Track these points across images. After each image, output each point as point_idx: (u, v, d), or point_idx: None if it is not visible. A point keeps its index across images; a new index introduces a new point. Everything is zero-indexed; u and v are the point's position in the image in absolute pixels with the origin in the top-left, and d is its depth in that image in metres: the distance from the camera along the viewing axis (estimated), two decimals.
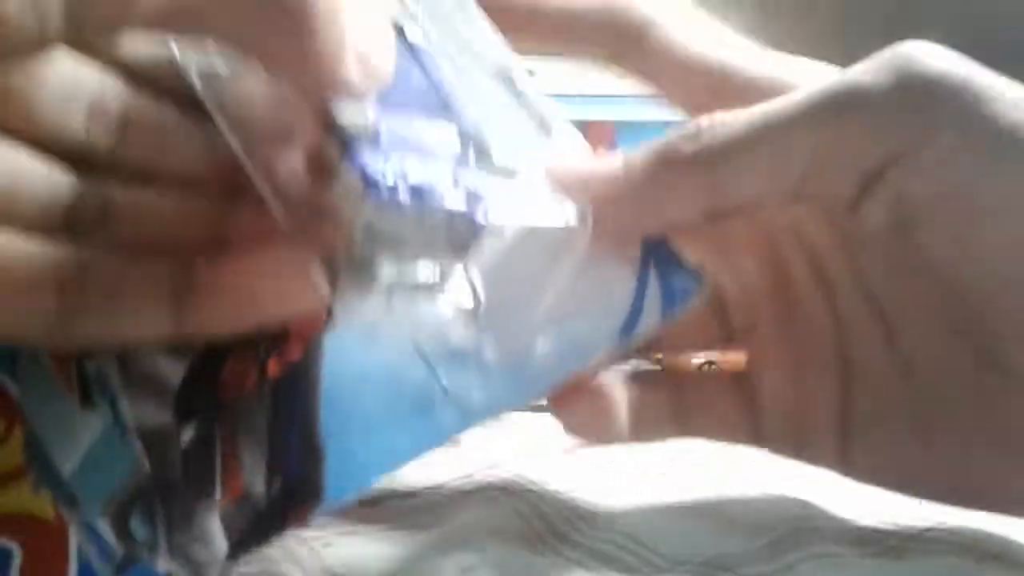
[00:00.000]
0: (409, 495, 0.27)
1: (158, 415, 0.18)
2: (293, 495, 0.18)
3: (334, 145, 0.16)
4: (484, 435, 0.36)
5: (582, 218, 0.19)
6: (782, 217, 0.22)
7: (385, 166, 0.15)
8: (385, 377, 0.18)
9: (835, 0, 0.75)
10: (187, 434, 0.18)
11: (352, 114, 0.16)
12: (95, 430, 0.18)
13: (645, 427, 0.23)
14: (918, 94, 0.18)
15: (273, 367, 0.18)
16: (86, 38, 0.15)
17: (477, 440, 0.35)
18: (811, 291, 0.22)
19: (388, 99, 0.17)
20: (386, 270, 0.16)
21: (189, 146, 0.18)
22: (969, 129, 0.18)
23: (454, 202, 0.16)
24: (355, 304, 0.16)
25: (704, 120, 0.20)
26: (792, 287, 0.22)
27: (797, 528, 0.23)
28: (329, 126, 0.16)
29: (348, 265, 0.16)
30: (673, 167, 0.19)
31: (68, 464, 0.18)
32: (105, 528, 0.18)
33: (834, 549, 0.22)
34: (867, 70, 0.19)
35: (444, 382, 0.18)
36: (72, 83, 0.17)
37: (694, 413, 0.23)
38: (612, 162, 0.20)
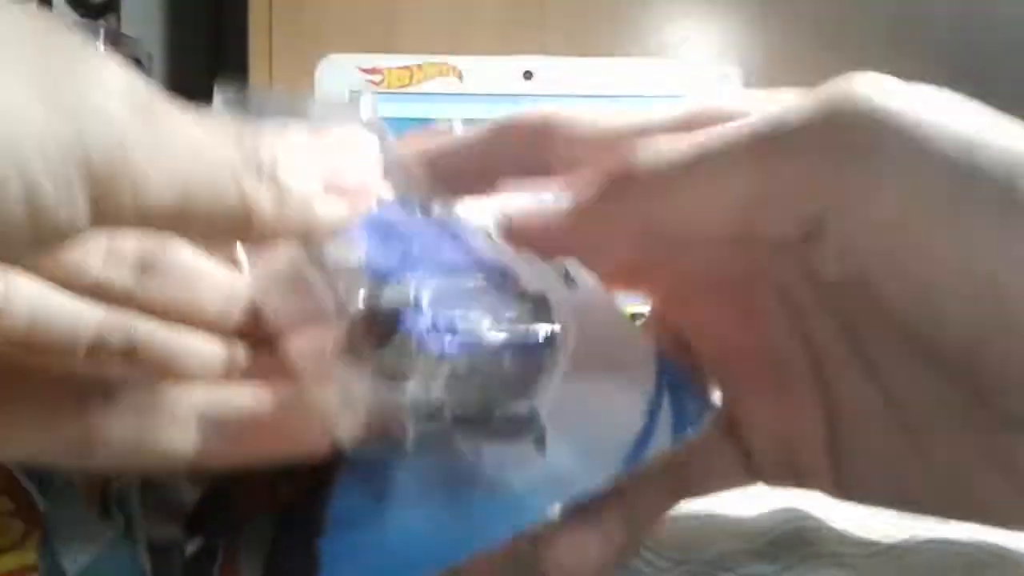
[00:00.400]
0: None
1: (168, 530, 0.19)
2: None
3: (383, 321, 0.16)
4: None
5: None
6: (748, 251, 0.20)
7: (435, 325, 0.16)
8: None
9: (835, 0, 0.75)
10: (192, 546, 0.19)
11: (394, 291, 0.17)
12: (107, 538, 0.19)
13: (644, 513, 0.21)
14: (855, 137, 0.17)
15: (284, 492, 0.19)
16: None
17: None
18: (783, 325, 0.21)
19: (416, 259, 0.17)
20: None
21: (207, 290, 0.19)
22: (918, 181, 0.16)
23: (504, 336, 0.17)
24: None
25: (659, 141, 0.19)
26: (765, 322, 0.21)
27: (797, 528, 0.23)
28: (374, 307, 0.16)
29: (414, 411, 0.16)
30: (613, 183, 0.19)
31: (75, 566, 0.19)
32: None
33: (834, 549, 0.22)
34: (803, 106, 0.17)
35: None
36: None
37: (692, 475, 0.21)
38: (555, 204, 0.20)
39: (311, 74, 0.61)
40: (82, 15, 0.71)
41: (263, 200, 0.16)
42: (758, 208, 0.18)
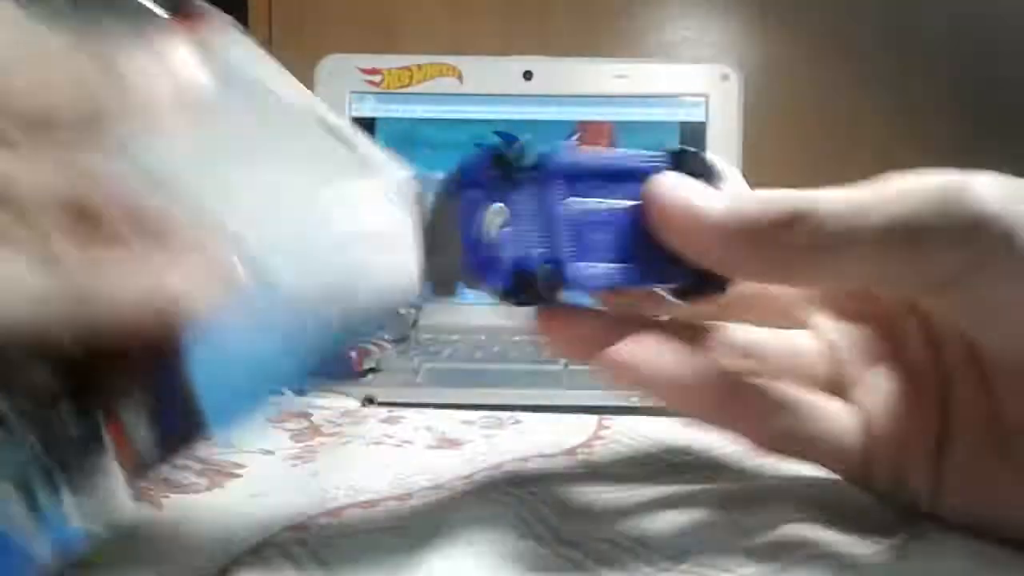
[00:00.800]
0: (408, 495, 0.27)
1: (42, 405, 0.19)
2: (177, 440, 0.20)
3: None
4: (484, 436, 0.36)
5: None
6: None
7: None
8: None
9: (835, 1, 0.75)
10: (70, 412, 0.19)
11: None
12: None
13: (776, 441, 0.24)
14: (968, 232, 0.19)
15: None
16: None
17: (477, 440, 0.35)
18: (919, 343, 0.24)
19: None
20: None
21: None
22: (1018, 257, 0.19)
23: None
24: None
25: (804, 212, 0.20)
26: (904, 339, 0.24)
27: (797, 527, 0.23)
28: None
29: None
30: (769, 242, 0.20)
31: None
32: (15, 506, 0.18)
33: (834, 549, 0.22)
34: (926, 204, 0.20)
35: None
36: None
37: (814, 438, 0.24)
38: (718, 204, 0.21)
39: (311, 74, 0.61)
40: None
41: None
42: (890, 278, 0.21)
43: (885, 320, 0.25)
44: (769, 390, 0.23)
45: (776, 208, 0.20)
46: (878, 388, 0.24)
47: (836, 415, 0.24)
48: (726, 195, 0.21)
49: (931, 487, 0.22)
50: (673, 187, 0.22)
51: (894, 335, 0.24)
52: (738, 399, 0.23)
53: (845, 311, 0.26)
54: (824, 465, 0.24)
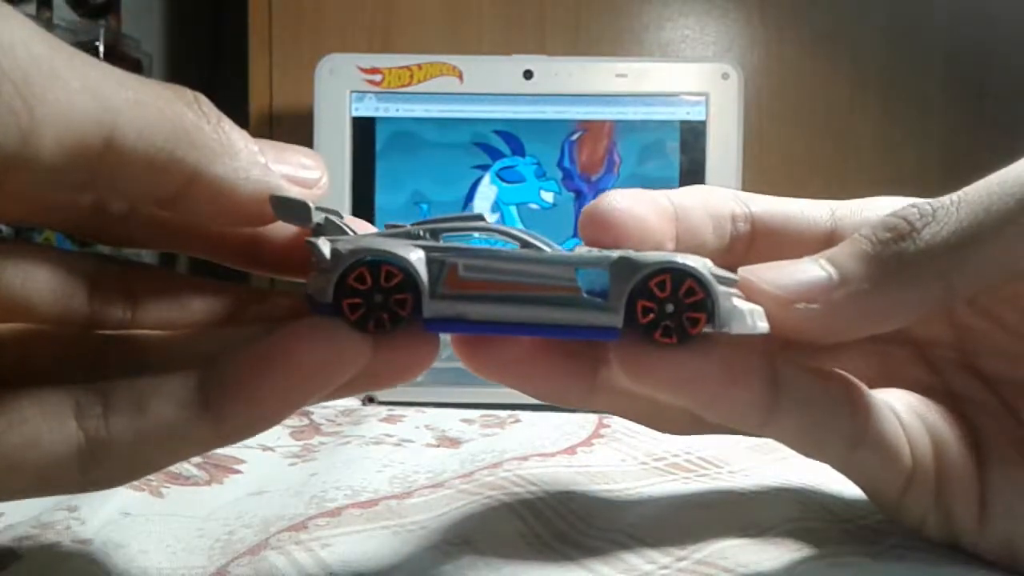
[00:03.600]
0: (408, 495, 0.27)
1: None
2: None
3: None
4: (484, 435, 0.36)
5: None
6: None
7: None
8: None
9: (835, 0, 0.75)
10: None
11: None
12: None
13: (822, 448, 0.21)
14: None
15: None
16: None
17: (477, 440, 0.35)
18: (923, 374, 0.23)
19: None
20: None
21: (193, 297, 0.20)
22: None
23: None
24: None
25: (910, 215, 0.19)
26: (905, 370, 0.23)
27: (796, 526, 0.23)
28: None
29: None
30: (902, 266, 0.19)
31: None
32: None
33: (833, 547, 0.22)
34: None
35: None
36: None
37: (868, 448, 0.21)
38: (810, 269, 0.19)
39: (311, 74, 0.61)
40: (82, 15, 0.71)
41: (208, 132, 0.16)
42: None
43: (871, 348, 0.23)
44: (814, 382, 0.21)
45: (887, 227, 0.19)
46: (901, 407, 0.22)
47: (891, 418, 0.21)
48: (805, 259, 0.19)
49: (977, 509, 0.21)
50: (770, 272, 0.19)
51: (885, 361, 0.23)
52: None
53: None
54: (875, 481, 0.22)
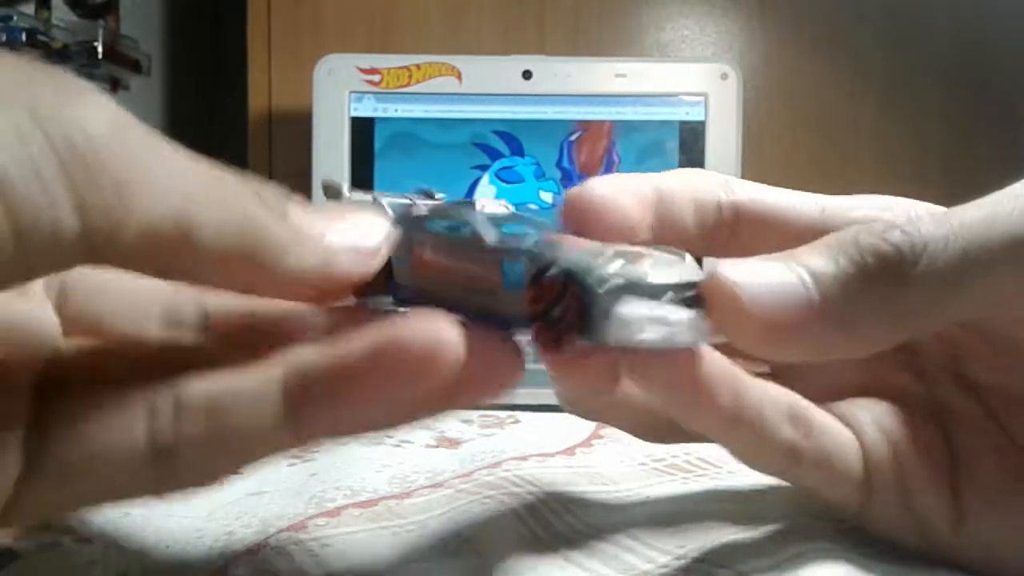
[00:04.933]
0: (407, 495, 0.27)
1: None
2: None
3: None
4: (483, 435, 0.36)
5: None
6: None
7: None
8: None
9: (835, 0, 0.75)
10: None
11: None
12: None
13: (763, 460, 0.21)
14: None
15: None
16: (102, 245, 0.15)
17: (476, 440, 0.35)
18: (908, 379, 0.23)
19: None
20: None
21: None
22: None
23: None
24: None
25: (902, 246, 0.18)
26: (890, 374, 0.23)
27: (793, 524, 0.23)
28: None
29: None
30: (883, 287, 0.18)
31: None
32: None
33: (829, 546, 0.22)
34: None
35: None
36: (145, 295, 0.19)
37: (809, 463, 0.21)
38: (793, 278, 0.18)
39: (310, 74, 0.61)
40: (81, 15, 0.71)
41: (275, 230, 0.16)
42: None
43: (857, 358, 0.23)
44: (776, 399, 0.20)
45: (875, 253, 0.18)
46: (863, 416, 0.22)
47: (841, 433, 0.21)
48: (785, 261, 0.18)
49: (952, 516, 0.21)
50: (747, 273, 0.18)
51: (870, 367, 0.23)
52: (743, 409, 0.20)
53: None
54: (826, 493, 0.21)
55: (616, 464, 0.31)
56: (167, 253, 0.15)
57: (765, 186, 0.23)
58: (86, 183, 0.13)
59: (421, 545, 0.22)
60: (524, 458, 0.31)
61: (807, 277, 0.18)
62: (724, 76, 0.61)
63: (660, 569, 0.21)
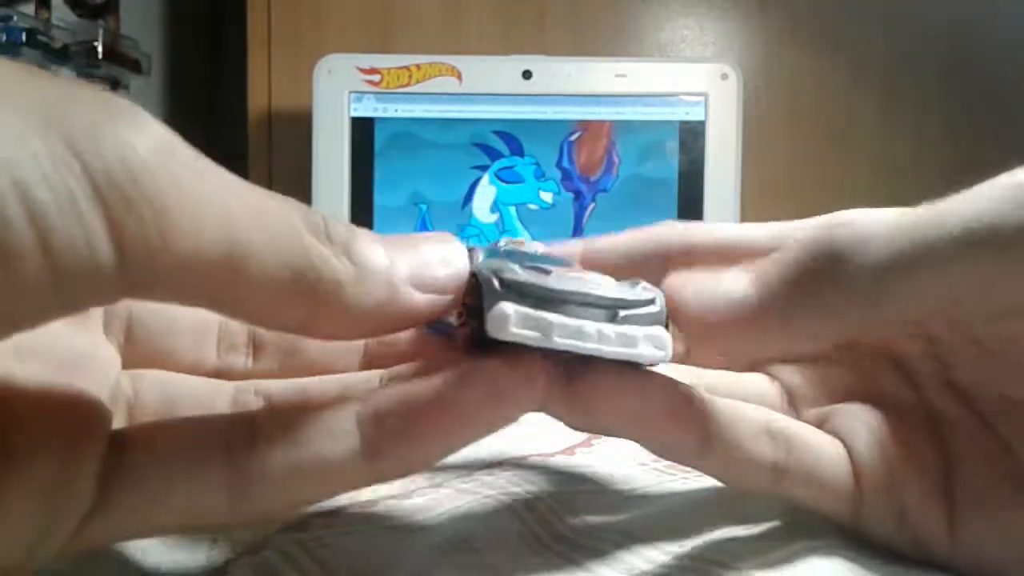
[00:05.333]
0: (407, 495, 0.27)
1: None
2: None
3: None
4: None
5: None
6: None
7: None
8: None
9: (834, 0, 0.75)
10: None
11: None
12: None
13: (747, 480, 0.21)
14: None
15: None
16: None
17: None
18: (900, 386, 0.22)
19: None
20: None
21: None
22: None
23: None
24: None
25: (841, 241, 0.17)
26: (881, 382, 0.22)
27: (791, 521, 0.23)
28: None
29: None
30: (821, 287, 0.18)
31: None
32: None
33: (827, 542, 0.22)
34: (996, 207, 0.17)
35: None
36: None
37: (794, 478, 0.21)
38: (738, 283, 0.18)
39: (310, 74, 0.61)
40: (80, 15, 0.71)
41: (335, 265, 0.15)
42: (971, 300, 0.18)
43: (849, 359, 0.23)
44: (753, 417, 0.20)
45: (810, 248, 0.17)
46: (853, 425, 0.22)
47: (824, 445, 0.21)
48: (737, 273, 0.18)
49: (945, 524, 0.21)
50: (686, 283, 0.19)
51: (863, 373, 0.23)
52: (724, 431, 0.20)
53: (802, 353, 0.24)
54: (817, 505, 0.22)
55: (616, 464, 0.31)
56: (213, 286, 0.14)
57: (718, 224, 0.24)
58: (125, 213, 0.12)
59: (421, 545, 0.22)
60: (524, 458, 0.31)
61: (750, 276, 0.18)
62: (724, 76, 0.61)
63: (660, 568, 0.21)
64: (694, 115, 0.61)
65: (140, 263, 0.13)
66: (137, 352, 0.20)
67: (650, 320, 0.18)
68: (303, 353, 0.21)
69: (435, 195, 0.61)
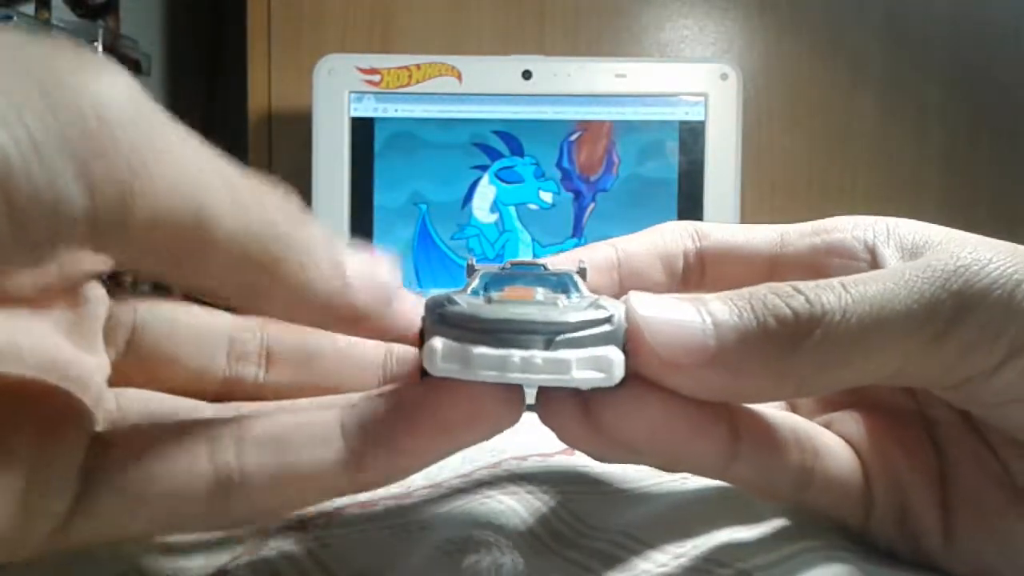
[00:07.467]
0: (408, 495, 0.27)
1: None
2: None
3: None
4: None
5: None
6: None
7: None
8: None
9: (835, 0, 0.75)
10: None
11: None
12: None
13: (773, 489, 0.21)
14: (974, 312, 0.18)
15: None
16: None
17: None
18: (900, 396, 0.23)
19: None
20: None
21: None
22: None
23: None
24: None
25: (801, 312, 0.18)
26: (874, 386, 0.22)
27: (791, 521, 0.23)
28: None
29: None
30: (776, 348, 0.18)
31: None
32: None
33: (828, 542, 0.22)
34: (933, 295, 0.18)
35: None
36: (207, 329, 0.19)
37: (818, 487, 0.21)
38: (696, 321, 0.18)
39: (310, 74, 0.61)
40: (80, 15, 0.71)
41: (295, 241, 0.15)
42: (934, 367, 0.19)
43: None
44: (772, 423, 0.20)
45: (776, 315, 0.18)
46: (856, 431, 0.22)
47: (841, 451, 0.22)
48: (700, 305, 0.18)
49: (943, 532, 0.21)
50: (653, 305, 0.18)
51: (867, 388, 0.23)
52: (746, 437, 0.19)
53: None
54: (832, 513, 0.22)
55: (615, 464, 0.31)
56: (179, 245, 0.14)
57: (730, 225, 0.24)
58: (95, 156, 0.12)
59: (421, 545, 0.22)
60: (524, 458, 0.31)
61: (709, 322, 0.18)
62: (724, 76, 0.61)
63: (660, 568, 0.21)
64: (694, 115, 0.61)
65: (112, 213, 0.13)
66: (141, 358, 0.20)
67: (601, 340, 0.17)
68: (318, 363, 0.21)
69: (435, 195, 0.61)
